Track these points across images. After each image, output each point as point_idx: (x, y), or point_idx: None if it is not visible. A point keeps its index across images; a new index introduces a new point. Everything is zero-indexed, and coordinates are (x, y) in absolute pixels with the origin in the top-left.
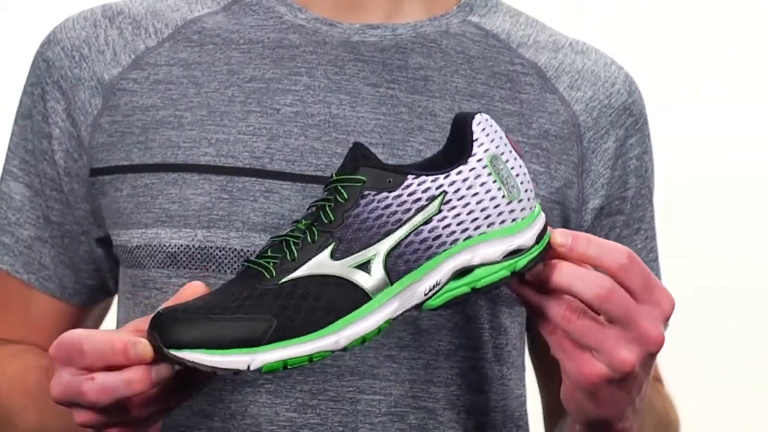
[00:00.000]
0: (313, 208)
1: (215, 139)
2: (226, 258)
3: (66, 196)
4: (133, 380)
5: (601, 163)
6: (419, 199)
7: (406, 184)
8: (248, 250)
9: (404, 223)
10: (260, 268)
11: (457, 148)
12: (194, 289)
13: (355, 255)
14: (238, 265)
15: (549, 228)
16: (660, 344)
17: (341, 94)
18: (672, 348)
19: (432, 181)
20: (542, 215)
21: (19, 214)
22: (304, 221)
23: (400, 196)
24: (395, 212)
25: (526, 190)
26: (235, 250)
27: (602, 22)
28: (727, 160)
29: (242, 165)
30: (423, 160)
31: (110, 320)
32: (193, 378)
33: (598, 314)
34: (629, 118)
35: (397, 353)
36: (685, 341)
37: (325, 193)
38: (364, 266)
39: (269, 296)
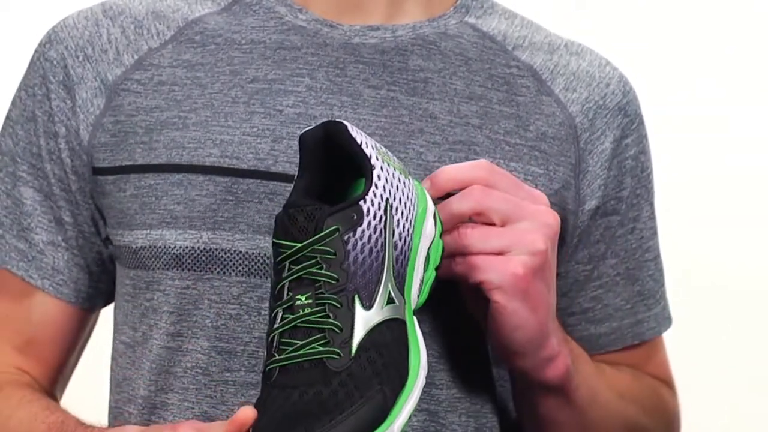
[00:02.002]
0: (285, 284)
1: (220, 140)
2: (231, 260)
3: (74, 195)
4: None
5: (598, 164)
6: (381, 217)
7: (366, 210)
8: (253, 252)
9: (386, 244)
10: (315, 357)
11: (329, 167)
12: (248, 413)
13: (379, 295)
14: (243, 267)
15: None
16: (556, 218)
17: (343, 96)
18: (670, 349)
19: (375, 195)
20: (415, 179)
21: (30, 218)
22: (302, 297)
23: (370, 223)
24: (376, 239)
25: (404, 165)
26: (240, 252)
27: (597, 22)
28: (724, 161)
29: (246, 167)
30: (297, 193)
31: (107, 326)
32: None
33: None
34: (624, 119)
35: None
36: (683, 342)
37: (293, 264)
38: (390, 299)
39: (358, 372)
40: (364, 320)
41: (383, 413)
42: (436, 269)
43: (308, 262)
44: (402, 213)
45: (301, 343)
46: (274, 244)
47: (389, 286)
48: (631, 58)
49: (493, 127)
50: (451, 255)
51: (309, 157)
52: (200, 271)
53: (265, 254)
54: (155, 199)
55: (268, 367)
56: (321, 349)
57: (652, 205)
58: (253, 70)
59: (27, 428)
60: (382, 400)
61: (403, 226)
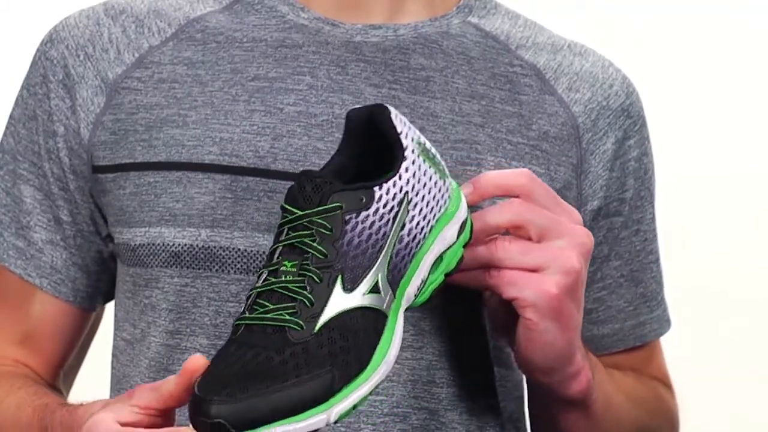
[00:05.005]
0: (279, 247)
1: (219, 138)
2: (229, 258)
3: (73, 194)
4: None
5: (600, 164)
6: (392, 208)
7: (377, 197)
8: (252, 250)
9: (389, 235)
10: (279, 323)
11: (370, 148)
12: (197, 362)
13: (364, 281)
14: (242, 265)
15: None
16: (590, 237)
17: (344, 95)
18: (668, 349)
19: (393, 186)
20: (456, 183)
21: (29, 217)
22: (288, 263)
23: (377, 210)
24: (379, 227)
25: (445, 165)
26: (239, 250)
27: (599, 23)
28: (723, 163)
29: (246, 164)
30: (330, 167)
31: (107, 324)
32: None
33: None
34: (627, 120)
35: (399, 354)
36: (678, 343)
37: (291, 230)
38: (375, 288)
39: (313, 348)
40: (339, 301)
41: (326, 395)
42: (447, 275)
43: (304, 232)
44: (420, 211)
45: (272, 307)
46: (281, 207)
47: (379, 276)
48: (633, 59)
49: (495, 126)
50: (485, 266)
51: (349, 136)
52: (199, 268)
53: (263, 252)
54: (154, 197)
55: (237, 322)
56: (287, 317)
57: (653, 207)
58: (255, 68)
59: (14, 413)
60: (328, 381)
61: (417, 223)
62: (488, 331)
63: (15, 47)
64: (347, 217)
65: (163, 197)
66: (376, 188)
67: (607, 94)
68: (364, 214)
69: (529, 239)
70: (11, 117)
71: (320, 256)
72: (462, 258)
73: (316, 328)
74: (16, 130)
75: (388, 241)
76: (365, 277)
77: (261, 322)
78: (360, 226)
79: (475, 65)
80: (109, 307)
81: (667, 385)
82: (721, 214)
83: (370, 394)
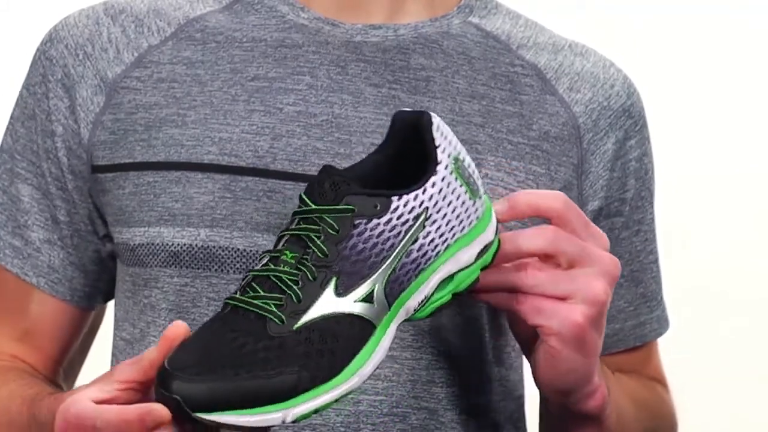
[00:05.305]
0: (286, 236)
1: (218, 138)
2: (229, 258)
3: (71, 194)
4: None
5: (601, 164)
6: (407, 221)
7: (393, 207)
8: (251, 250)
9: (396, 247)
10: (262, 312)
11: (410, 152)
12: (178, 329)
13: (358, 289)
14: (241, 265)
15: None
16: (617, 264)
17: (344, 94)
18: (663, 350)
19: (414, 199)
20: (490, 204)
21: (27, 216)
22: (289, 254)
23: (390, 221)
24: (388, 238)
25: (481, 185)
26: (238, 249)
27: (598, 23)
28: (723, 163)
29: (245, 164)
30: (366, 166)
31: (106, 324)
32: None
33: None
34: (628, 120)
35: (399, 354)
36: (678, 343)
37: (301, 221)
38: (368, 297)
39: (289, 345)
40: (327, 303)
41: (287, 394)
42: (456, 295)
43: (311, 226)
44: (438, 228)
45: (262, 294)
46: (299, 196)
47: (376, 286)
48: (634, 59)
49: (496, 126)
50: (511, 289)
51: (391, 137)
52: (198, 268)
53: (263, 252)
54: (153, 197)
55: (227, 300)
56: (272, 308)
57: (653, 207)
58: (254, 68)
59: (6, 404)
60: (294, 381)
61: (431, 240)
62: (487, 331)
63: (15, 47)
64: (357, 222)
65: (162, 197)
66: (395, 198)
67: (608, 95)
68: (375, 221)
69: (558, 265)
70: (11, 116)
71: (320, 255)
72: (477, 280)
73: (296, 325)
74: (15, 129)
75: (395, 253)
76: (361, 284)
77: (247, 307)
78: (368, 233)
79: (475, 65)
80: (109, 307)
81: (664, 385)
82: (721, 214)
83: (335, 402)
